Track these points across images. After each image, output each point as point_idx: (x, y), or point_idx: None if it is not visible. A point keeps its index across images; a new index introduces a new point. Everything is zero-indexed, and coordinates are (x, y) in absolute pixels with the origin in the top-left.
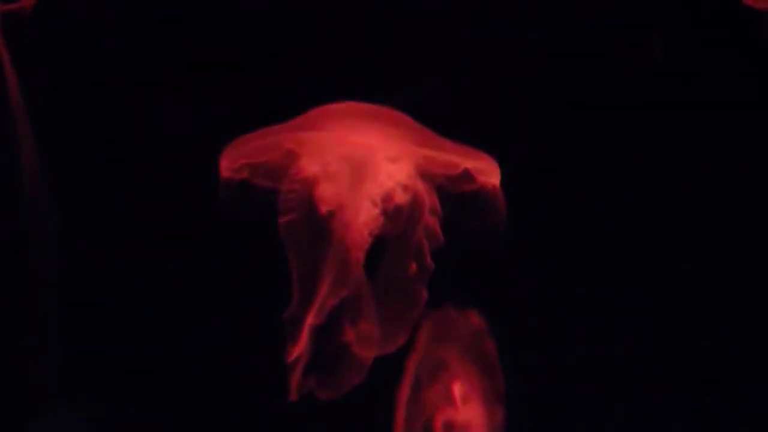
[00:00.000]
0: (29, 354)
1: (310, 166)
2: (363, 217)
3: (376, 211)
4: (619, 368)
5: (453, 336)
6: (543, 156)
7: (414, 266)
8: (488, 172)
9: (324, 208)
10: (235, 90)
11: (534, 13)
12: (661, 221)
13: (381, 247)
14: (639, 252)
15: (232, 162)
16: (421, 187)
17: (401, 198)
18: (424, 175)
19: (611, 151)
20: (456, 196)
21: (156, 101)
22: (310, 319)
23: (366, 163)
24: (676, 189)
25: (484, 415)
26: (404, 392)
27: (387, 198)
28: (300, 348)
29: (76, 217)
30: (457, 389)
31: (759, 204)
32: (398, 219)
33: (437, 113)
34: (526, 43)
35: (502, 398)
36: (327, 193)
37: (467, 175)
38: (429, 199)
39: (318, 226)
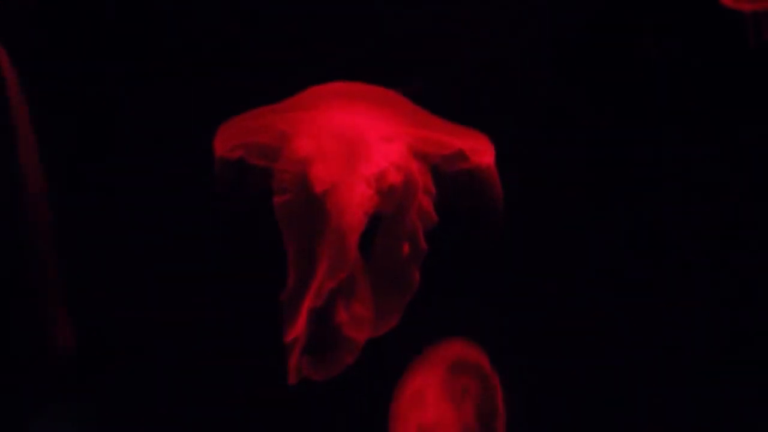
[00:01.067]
0: (30, 353)
1: (303, 147)
2: (357, 198)
3: (371, 191)
4: (616, 364)
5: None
6: (538, 147)
7: (407, 248)
8: (482, 152)
9: (319, 188)
10: (230, 77)
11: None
12: (654, 216)
13: (374, 228)
14: (633, 244)
15: (225, 142)
16: (415, 167)
17: (395, 178)
18: (418, 154)
19: (608, 148)
20: (451, 177)
21: (153, 85)
22: (309, 303)
23: (359, 142)
24: (664, 184)
25: (453, 416)
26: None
27: (381, 178)
28: (298, 330)
29: (73, 213)
30: (431, 393)
31: (750, 202)
32: (392, 199)
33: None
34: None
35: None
36: (321, 173)
37: (461, 155)
38: (423, 180)
39: (313, 207)
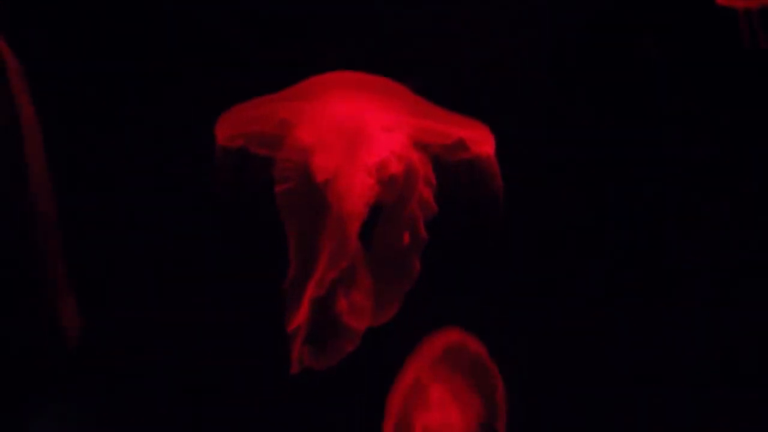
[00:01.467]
0: (30, 348)
1: (305, 136)
2: (358, 187)
3: (372, 181)
4: (616, 363)
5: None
6: (538, 146)
7: (407, 237)
8: (483, 142)
9: (320, 177)
10: (230, 77)
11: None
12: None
13: (375, 218)
14: (633, 243)
15: (227, 131)
16: (415, 156)
17: (396, 167)
18: (419, 144)
19: (607, 147)
20: (451, 167)
21: (153, 85)
22: (311, 292)
23: (360, 132)
24: (661, 179)
25: (463, 419)
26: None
27: (382, 168)
28: (300, 319)
29: (72, 212)
30: (435, 394)
31: (750, 202)
32: (393, 189)
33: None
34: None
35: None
36: (322, 163)
37: (462, 145)
38: (423, 170)
39: (314, 196)
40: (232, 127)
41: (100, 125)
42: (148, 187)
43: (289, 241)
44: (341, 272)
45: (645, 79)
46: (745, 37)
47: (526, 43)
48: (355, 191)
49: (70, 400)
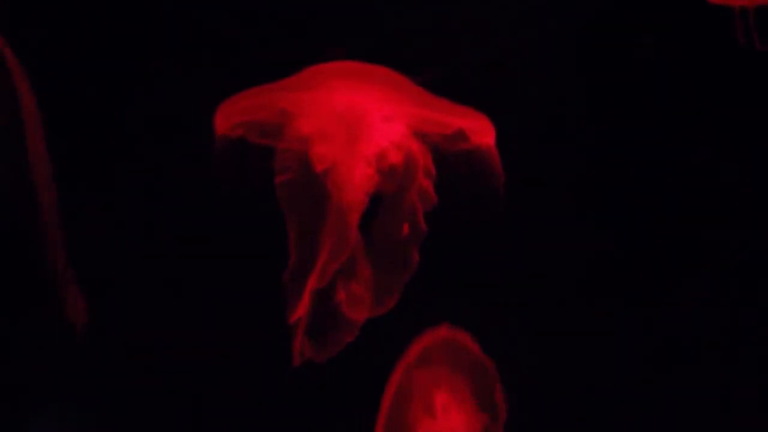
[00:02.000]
0: (38, 344)
1: (304, 126)
2: (358, 177)
3: (372, 170)
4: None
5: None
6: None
7: (407, 228)
8: (483, 132)
9: (320, 167)
10: (230, 77)
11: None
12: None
13: (374, 209)
14: (633, 243)
15: (226, 120)
16: (415, 147)
17: (395, 157)
18: (419, 134)
19: (607, 147)
20: (451, 157)
21: (153, 85)
22: (312, 284)
23: (360, 122)
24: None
25: (466, 423)
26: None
27: (381, 157)
28: (301, 311)
29: (70, 211)
30: (439, 399)
31: (745, 201)
32: (393, 179)
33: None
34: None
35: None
36: (322, 152)
37: (462, 135)
38: (423, 160)
39: (314, 186)
40: (232, 116)
41: (100, 125)
42: (147, 183)
43: (290, 233)
44: (341, 263)
45: (645, 79)
46: (740, 36)
47: (526, 43)
48: (355, 181)
49: (70, 400)
